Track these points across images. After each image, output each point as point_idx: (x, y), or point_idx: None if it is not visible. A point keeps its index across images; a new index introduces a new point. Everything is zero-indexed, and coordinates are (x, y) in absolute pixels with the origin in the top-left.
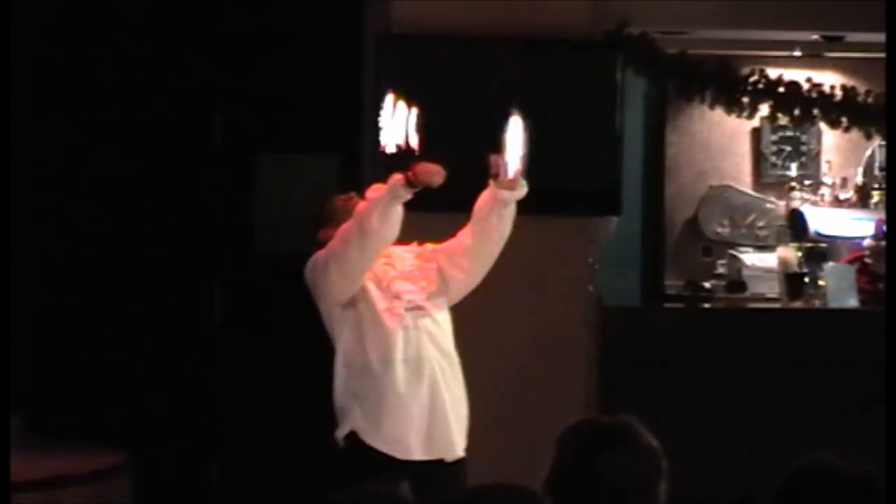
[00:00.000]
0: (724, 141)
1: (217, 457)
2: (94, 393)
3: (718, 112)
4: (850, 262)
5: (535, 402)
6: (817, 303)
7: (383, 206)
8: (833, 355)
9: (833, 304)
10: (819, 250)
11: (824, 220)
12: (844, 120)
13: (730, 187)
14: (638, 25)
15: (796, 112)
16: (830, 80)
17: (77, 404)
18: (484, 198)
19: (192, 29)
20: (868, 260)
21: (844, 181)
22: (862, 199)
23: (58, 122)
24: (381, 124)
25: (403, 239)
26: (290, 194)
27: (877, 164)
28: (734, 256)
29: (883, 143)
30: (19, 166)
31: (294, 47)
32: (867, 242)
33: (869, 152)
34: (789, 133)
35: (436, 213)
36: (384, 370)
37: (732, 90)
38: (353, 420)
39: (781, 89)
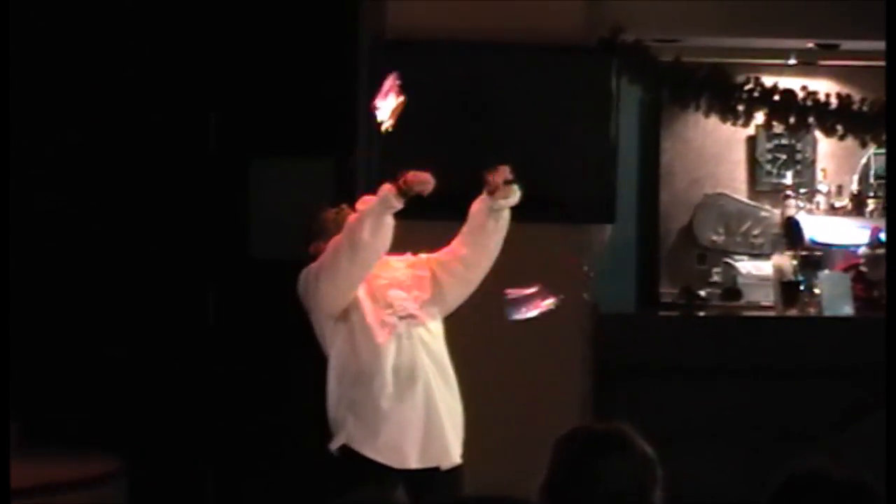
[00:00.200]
0: (718, 148)
1: (212, 463)
2: (89, 398)
3: (713, 119)
4: (845, 269)
5: (531, 408)
6: (812, 311)
7: (374, 216)
8: (828, 363)
9: (828, 312)
10: (814, 258)
11: (819, 227)
12: (839, 128)
13: (724, 195)
14: (632, 32)
15: (791, 120)
16: (825, 87)
17: (72, 410)
18: (477, 206)
19: (187, 34)
20: (863, 268)
21: (839, 189)
22: (857, 207)
23: (53, 126)
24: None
25: (397, 247)
26: (285, 199)
27: (872, 172)
28: (729, 264)
29: (878, 150)
30: (15, 169)
31: (289, 52)
32: (862, 250)
33: (864, 160)
34: (784, 141)
35: (429, 222)
36: (377, 380)
37: (727, 98)
38: (347, 431)
39: (776, 97)
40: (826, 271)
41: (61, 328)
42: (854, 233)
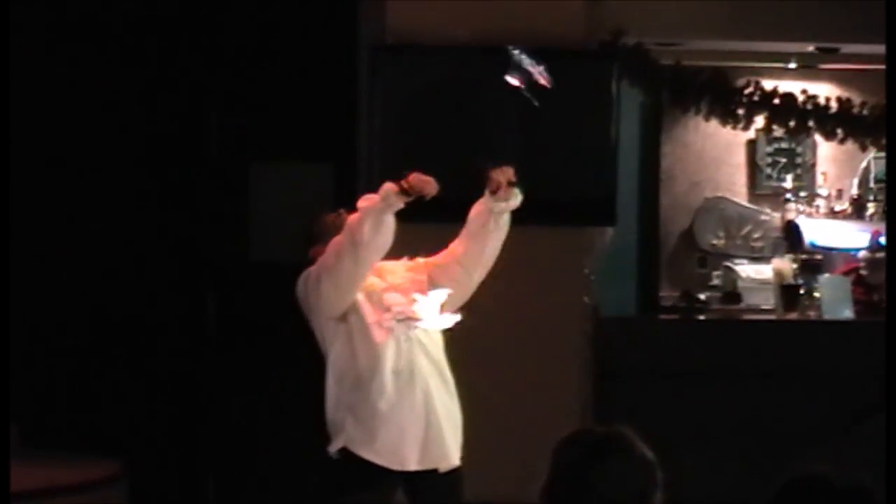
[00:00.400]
0: (718, 152)
1: (212, 466)
2: (89, 403)
3: (713, 123)
4: (845, 273)
5: (531, 412)
6: (812, 314)
7: (375, 215)
8: (828, 366)
9: (828, 316)
10: (814, 262)
11: (819, 231)
12: (839, 131)
13: (725, 199)
14: (633, 36)
15: (791, 124)
16: (825, 91)
17: (72, 414)
18: (478, 208)
19: (187, 38)
20: (863, 271)
21: (840, 193)
22: (857, 211)
23: (53, 129)
24: None
25: (397, 249)
26: (285, 203)
27: (872, 176)
28: (729, 268)
29: (878, 154)
30: (15, 171)
31: (289, 57)
32: (862, 254)
33: (864, 164)
34: (784, 144)
35: (429, 224)
36: (375, 382)
37: (727, 101)
38: (346, 433)
39: (776, 101)
40: (826, 275)
41: (62, 331)
42: (854, 236)
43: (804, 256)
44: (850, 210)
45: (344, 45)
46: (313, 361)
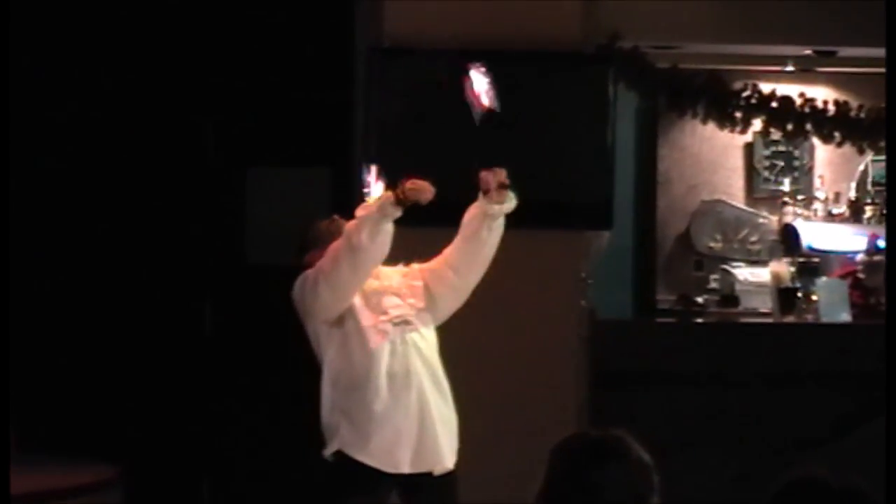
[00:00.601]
0: (715, 155)
1: (208, 470)
2: (86, 406)
3: (710, 126)
4: (843, 276)
5: (527, 415)
6: (810, 317)
7: (373, 223)
8: (825, 369)
9: (825, 319)
10: (811, 265)
11: (817, 234)
12: (837, 135)
13: (722, 202)
14: (629, 39)
15: (789, 127)
16: (823, 94)
17: (67, 418)
18: (472, 212)
19: (184, 43)
20: (860, 275)
21: (837, 196)
22: (854, 214)
23: (51, 134)
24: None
25: (395, 252)
26: (282, 207)
27: (869, 179)
28: (726, 271)
29: (876, 157)
30: (13, 176)
31: (286, 61)
32: (860, 257)
33: (861, 167)
34: (782, 148)
35: (426, 228)
36: (370, 385)
37: (724, 104)
38: (340, 436)
39: (774, 104)
40: (823, 278)
41: (59, 336)
42: (851, 239)
43: (801, 259)
44: (847, 213)
45: (341, 49)
46: (309, 365)
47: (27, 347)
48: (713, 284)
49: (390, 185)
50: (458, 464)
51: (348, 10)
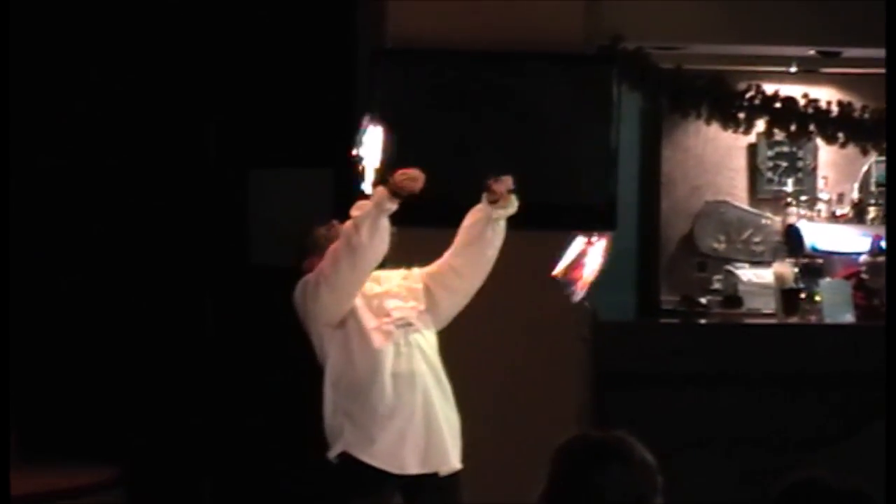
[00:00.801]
0: (719, 156)
1: (209, 471)
2: (87, 407)
3: (714, 127)
4: (846, 277)
5: (530, 416)
6: (813, 318)
7: (371, 219)
8: (829, 371)
9: (829, 320)
10: (815, 266)
11: (820, 235)
12: (841, 135)
13: (725, 203)
14: (633, 40)
15: (792, 128)
16: (827, 95)
17: (69, 419)
18: (475, 216)
19: (186, 44)
20: (864, 276)
21: (841, 197)
22: (858, 215)
23: (52, 134)
24: (360, 148)
25: (398, 254)
26: (284, 208)
27: (873, 180)
28: (730, 272)
29: (879, 158)
30: (14, 176)
31: (288, 62)
32: (863, 258)
33: (865, 168)
34: (785, 149)
35: (428, 229)
36: (375, 386)
37: (728, 105)
38: (344, 438)
39: (777, 105)
40: (827, 279)
41: (60, 336)
42: (855, 241)
43: (805, 260)
44: (851, 214)
45: (343, 50)
46: (311, 366)
47: (28, 348)
48: (716, 285)
49: (380, 183)
50: (460, 464)
51: (351, 11)
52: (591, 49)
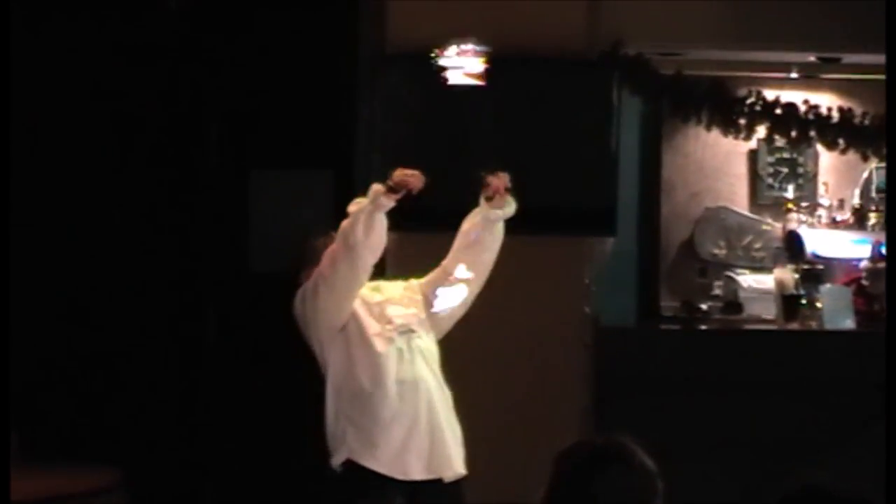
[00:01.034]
0: (719, 162)
1: (211, 475)
2: (89, 411)
3: (714, 133)
4: (847, 283)
5: (531, 422)
6: (813, 324)
7: (366, 216)
8: (829, 376)
9: (829, 326)
10: (815, 272)
11: (821, 241)
12: (841, 141)
13: (726, 208)
14: (634, 45)
15: (793, 133)
16: (827, 101)
17: (70, 423)
18: (472, 219)
19: (187, 46)
20: (864, 282)
21: (841, 203)
22: (858, 221)
23: (53, 137)
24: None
25: (396, 258)
26: (285, 212)
27: (873, 186)
28: (730, 277)
29: (880, 164)
30: (15, 180)
31: (289, 66)
32: (864, 264)
33: (866, 174)
34: (786, 154)
35: (428, 234)
36: (378, 392)
37: (728, 111)
38: (347, 445)
39: (778, 111)
40: (827, 285)
41: (61, 341)
42: (855, 246)
43: (805, 266)
44: (851, 220)
45: (343, 54)
46: (312, 371)
47: (29, 352)
48: (717, 291)
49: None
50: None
51: (352, 14)
52: (592, 54)
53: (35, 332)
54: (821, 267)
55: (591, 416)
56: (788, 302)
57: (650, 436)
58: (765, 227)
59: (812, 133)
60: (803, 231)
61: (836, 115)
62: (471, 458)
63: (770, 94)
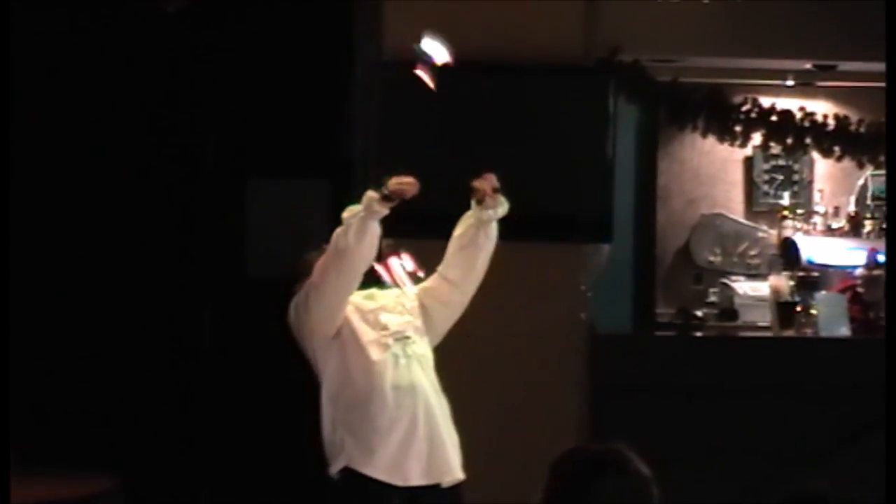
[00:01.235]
0: (715, 169)
1: (208, 481)
2: (86, 417)
3: (710, 140)
4: (842, 290)
5: (527, 429)
6: (809, 331)
7: (358, 222)
8: (824, 384)
9: (824, 333)
10: (811, 279)
11: (816, 248)
12: (837, 149)
13: (721, 215)
14: (630, 53)
15: (789, 141)
16: (823, 109)
17: (68, 429)
18: (465, 222)
19: (184, 54)
20: (860, 289)
21: (837, 210)
22: (854, 228)
23: (51, 142)
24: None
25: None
26: (282, 219)
27: (869, 194)
28: (726, 284)
29: (875, 172)
30: (13, 184)
31: (286, 74)
32: (859, 271)
33: (861, 181)
34: (781, 162)
35: (423, 241)
36: (375, 399)
37: (724, 118)
38: (345, 453)
39: (774, 118)
40: (823, 292)
41: (58, 346)
42: (850, 254)
43: (801, 274)
44: (846, 227)
45: (341, 63)
46: (310, 378)
47: (26, 357)
48: (712, 298)
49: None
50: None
51: (348, 22)
52: (588, 61)
53: (33, 339)
54: (816, 274)
55: (586, 422)
56: (784, 309)
57: (646, 442)
58: (760, 234)
59: (808, 140)
60: (799, 238)
61: (831, 122)
62: (467, 464)
63: (766, 102)
